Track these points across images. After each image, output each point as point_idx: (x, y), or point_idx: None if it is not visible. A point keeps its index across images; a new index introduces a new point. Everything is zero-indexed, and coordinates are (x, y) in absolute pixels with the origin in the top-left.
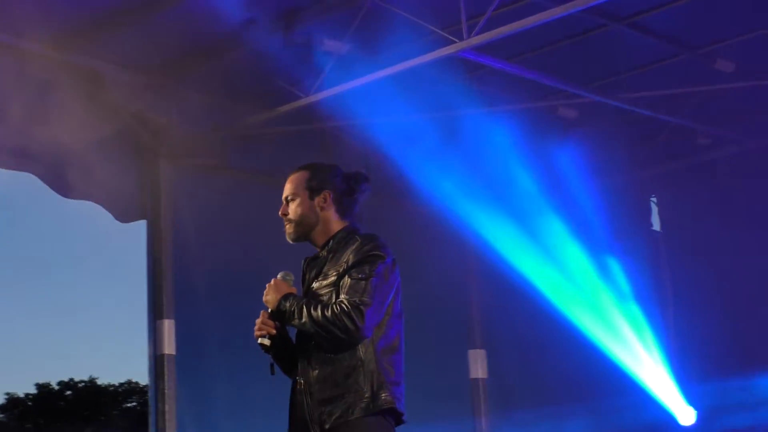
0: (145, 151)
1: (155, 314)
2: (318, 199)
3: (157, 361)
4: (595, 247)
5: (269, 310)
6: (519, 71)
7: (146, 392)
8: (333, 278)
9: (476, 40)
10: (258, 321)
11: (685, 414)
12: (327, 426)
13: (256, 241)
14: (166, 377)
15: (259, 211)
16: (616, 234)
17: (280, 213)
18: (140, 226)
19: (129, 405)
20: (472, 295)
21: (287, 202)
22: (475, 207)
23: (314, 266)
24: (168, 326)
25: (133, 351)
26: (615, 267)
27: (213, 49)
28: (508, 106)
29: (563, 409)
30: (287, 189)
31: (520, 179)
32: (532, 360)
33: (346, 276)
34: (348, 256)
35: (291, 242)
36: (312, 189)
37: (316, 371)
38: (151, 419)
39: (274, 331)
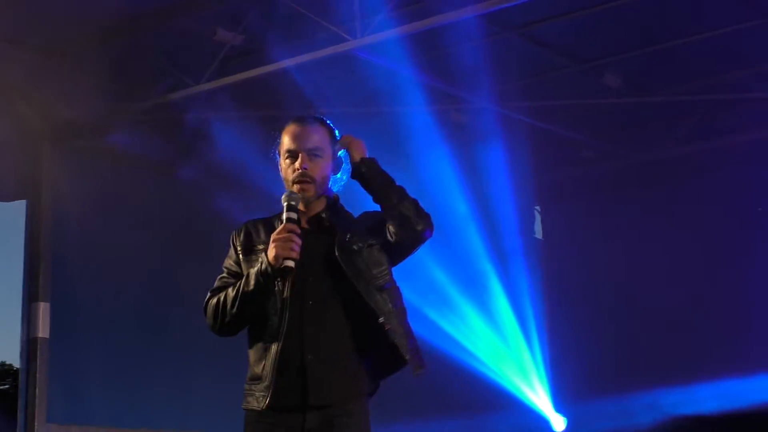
0: (30, 130)
1: (30, 296)
2: (334, 164)
3: (29, 344)
4: (474, 254)
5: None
6: (411, 73)
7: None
8: (378, 233)
9: (369, 39)
10: (283, 234)
11: (556, 420)
12: (332, 402)
13: (138, 226)
14: (38, 360)
15: (142, 197)
16: (498, 241)
17: (298, 165)
18: (21, 206)
19: (2, 388)
20: None
21: (310, 156)
22: None
23: (317, 235)
24: (43, 309)
25: (7, 333)
26: (493, 275)
27: (105, 32)
28: (398, 107)
29: (434, 418)
30: (312, 140)
31: (406, 180)
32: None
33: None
34: (372, 221)
35: (294, 202)
36: (335, 152)
37: (329, 336)
38: (20, 402)
39: (297, 254)
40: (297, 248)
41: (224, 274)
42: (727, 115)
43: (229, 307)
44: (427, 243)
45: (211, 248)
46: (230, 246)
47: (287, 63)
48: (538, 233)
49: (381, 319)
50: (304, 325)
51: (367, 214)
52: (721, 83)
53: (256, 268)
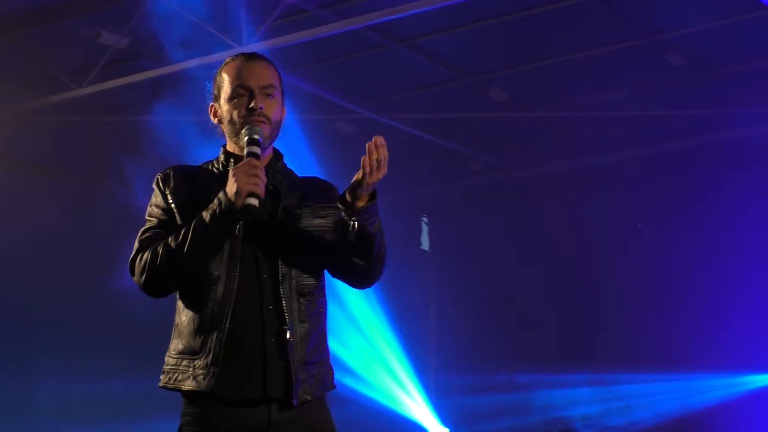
0: None
1: None
2: (283, 109)
3: None
4: None
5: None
6: (297, 82)
7: None
8: (326, 215)
9: (255, 47)
10: (247, 168)
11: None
12: (309, 397)
13: (19, 228)
14: None
15: (25, 200)
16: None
17: (254, 104)
18: None
19: None
20: None
21: (264, 94)
22: None
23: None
24: None
25: None
26: (377, 287)
27: None
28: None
29: None
30: (266, 77)
31: None
32: None
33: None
34: (324, 194)
35: (256, 135)
36: (282, 95)
37: (306, 324)
38: None
39: (262, 191)
40: (262, 185)
41: (151, 225)
42: (605, 133)
43: (170, 259)
44: None
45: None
46: (155, 192)
47: (171, 68)
48: (425, 245)
49: (285, 327)
50: (264, 297)
51: (315, 187)
52: (602, 101)
53: (209, 210)
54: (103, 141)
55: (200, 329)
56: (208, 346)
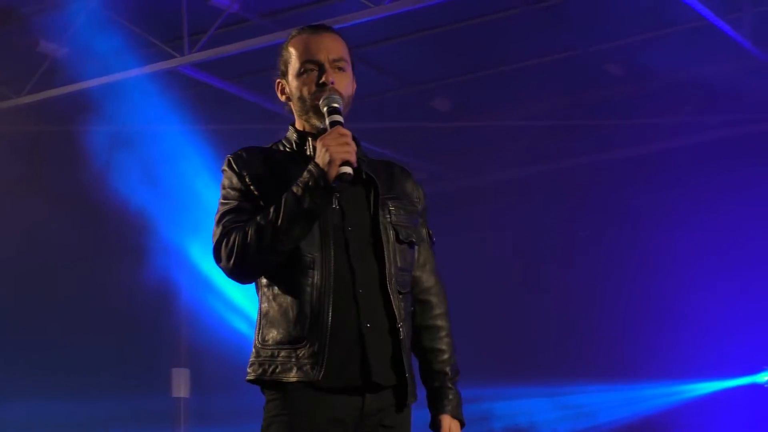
0: None
1: None
2: (353, 83)
3: None
4: None
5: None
6: (239, 92)
7: None
8: (412, 212)
9: (197, 56)
10: (336, 137)
11: None
12: (413, 399)
13: None
14: None
15: None
16: None
17: (324, 79)
18: None
19: None
20: (180, 313)
21: (335, 69)
22: (187, 223)
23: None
24: None
25: None
26: None
27: None
28: (227, 125)
29: None
30: (336, 49)
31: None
32: (236, 380)
33: (425, 232)
34: (416, 192)
35: (336, 104)
36: (353, 68)
37: (407, 324)
38: None
39: (354, 159)
40: (354, 153)
41: (231, 207)
42: (548, 141)
43: (263, 238)
44: None
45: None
46: (228, 174)
47: (111, 78)
48: None
49: (399, 325)
50: (356, 281)
51: (398, 175)
52: (544, 109)
53: (300, 183)
54: (40, 150)
55: (300, 316)
56: (312, 334)
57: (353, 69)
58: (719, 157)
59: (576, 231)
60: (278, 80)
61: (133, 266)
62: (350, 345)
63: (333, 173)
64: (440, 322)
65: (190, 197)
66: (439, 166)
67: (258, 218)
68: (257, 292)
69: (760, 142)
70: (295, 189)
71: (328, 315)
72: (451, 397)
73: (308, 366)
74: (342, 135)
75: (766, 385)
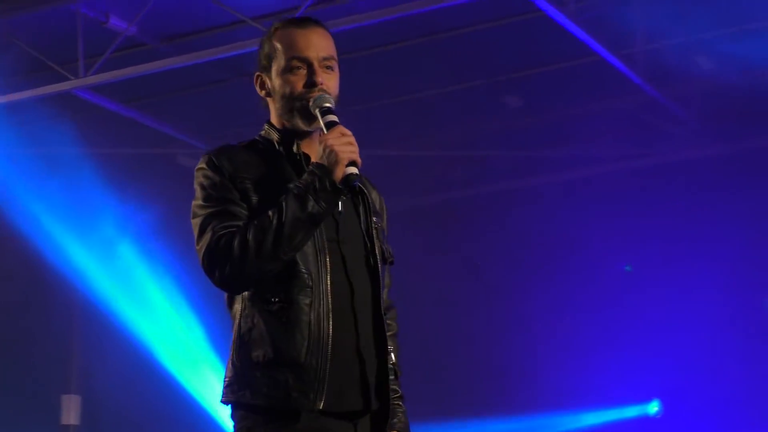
0: None
1: None
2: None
3: None
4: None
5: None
6: (135, 116)
7: None
8: (383, 228)
9: (93, 79)
10: (340, 135)
11: None
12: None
13: None
14: None
15: None
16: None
17: (315, 80)
18: None
19: None
20: (72, 339)
21: (324, 68)
22: (78, 250)
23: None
24: None
25: None
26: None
27: None
28: (123, 149)
29: None
30: (326, 47)
31: (129, 226)
32: (129, 406)
33: (387, 249)
34: (380, 204)
35: (329, 104)
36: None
37: (390, 347)
38: None
39: (359, 160)
40: (358, 152)
41: (218, 209)
42: (449, 171)
43: (263, 244)
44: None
45: None
46: (208, 173)
47: (4, 99)
48: None
49: (390, 348)
50: (355, 300)
51: (369, 186)
52: (445, 140)
53: (302, 185)
54: None
55: (296, 337)
56: (311, 357)
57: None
58: (612, 190)
59: (466, 260)
60: (258, 74)
61: (23, 287)
62: (350, 369)
63: (339, 174)
64: (392, 343)
65: (85, 220)
66: None
67: (256, 222)
68: (230, 305)
69: (651, 176)
70: (296, 191)
71: (328, 339)
72: (400, 415)
73: (305, 391)
74: (344, 134)
75: (653, 416)
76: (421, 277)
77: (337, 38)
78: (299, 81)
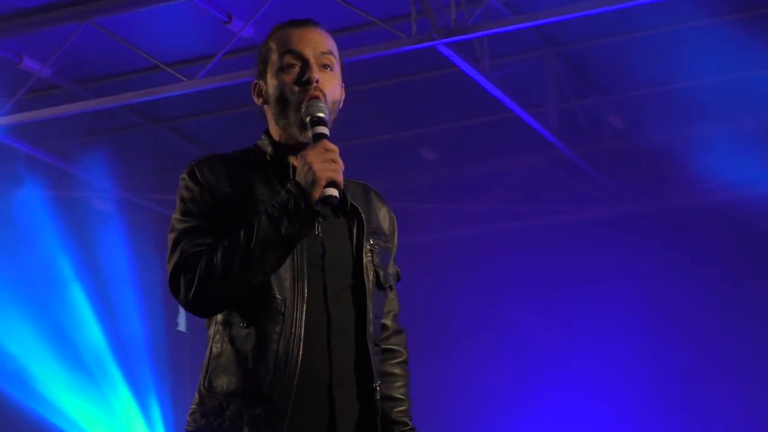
0: None
1: None
2: (342, 90)
3: None
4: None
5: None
6: (49, 159)
7: None
8: (386, 251)
9: (5, 120)
10: (322, 152)
11: None
12: None
13: None
14: None
15: None
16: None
17: (310, 76)
18: None
19: None
20: None
21: (321, 66)
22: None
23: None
24: None
25: None
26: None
27: None
28: (38, 191)
29: None
30: (323, 43)
31: (61, 275)
32: None
33: (393, 269)
34: (390, 223)
35: (321, 114)
36: (342, 72)
37: (376, 358)
38: None
39: (341, 180)
40: (341, 172)
41: (191, 226)
42: None
43: (231, 266)
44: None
45: None
46: (189, 185)
47: None
48: (182, 326)
49: (376, 384)
50: (331, 331)
51: (377, 203)
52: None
53: (277, 205)
54: None
55: (261, 368)
56: (273, 391)
57: (342, 74)
58: (523, 246)
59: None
60: (254, 82)
61: None
62: (317, 407)
63: (316, 195)
64: (398, 371)
65: None
66: None
67: (225, 242)
68: (207, 327)
69: (562, 232)
70: (271, 211)
71: (295, 370)
72: None
73: (264, 428)
74: (328, 150)
75: None
76: None
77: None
78: (293, 80)
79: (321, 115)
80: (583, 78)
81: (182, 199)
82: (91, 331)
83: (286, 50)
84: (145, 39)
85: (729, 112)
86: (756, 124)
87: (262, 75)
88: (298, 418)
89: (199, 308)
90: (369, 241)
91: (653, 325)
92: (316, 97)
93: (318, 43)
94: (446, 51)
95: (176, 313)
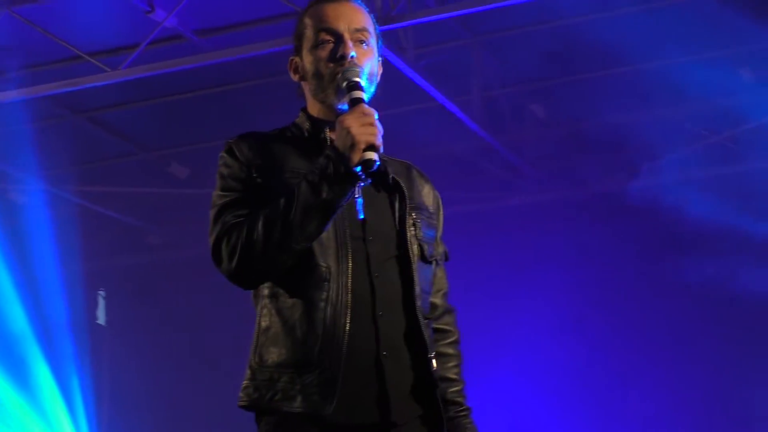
0: None
1: None
2: (379, 64)
3: None
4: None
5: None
6: None
7: None
8: (431, 226)
9: None
10: (359, 116)
11: None
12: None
13: None
14: None
15: None
16: (48, 326)
17: (344, 51)
18: None
19: None
20: None
21: (356, 41)
22: None
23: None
24: None
25: None
26: (41, 361)
27: None
28: None
29: None
30: (358, 19)
31: None
32: None
33: (442, 250)
34: (434, 201)
35: (357, 78)
36: (378, 43)
37: (427, 331)
38: None
39: (380, 144)
40: (380, 136)
41: (232, 199)
42: None
43: (273, 233)
44: None
45: None
46: (228, 161)
47: None
48: (101, 319)
49: (431, 355)
50: (376, 301)
51: (420, 180)
52: None
53: (316, 171)
54: None
55: (310, 336)
56: (324, 358)
57: (380, 49)
58: (447, 234)
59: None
60: (291, 58)
61: None
62: (367, 375)
63: (356, 159)
64: (451, 350)
65: None
66: (174, 233)
67: (266, 210)
68: (255, 304)
69: (487, 219)
70: (310, 177)
71: (344, 337)
72: (470, 429)
73: (317, 395)
74: (365, 114)
75: None
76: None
77: (178, 77)
78: (328, 55)
79: (357, 79)
80: (506, 67)
81: (221, 176)
82: (16, 321)
83: (321, 27)
84: (67, 29)
85: (651, 100)
86: (676, 111)
87: (297, 51)
88: (350, 386)
89: (244, 278)
90: (411, 215)
91: (578, 309)
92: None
93: (352, 18)
94: None
95: (96, 307)
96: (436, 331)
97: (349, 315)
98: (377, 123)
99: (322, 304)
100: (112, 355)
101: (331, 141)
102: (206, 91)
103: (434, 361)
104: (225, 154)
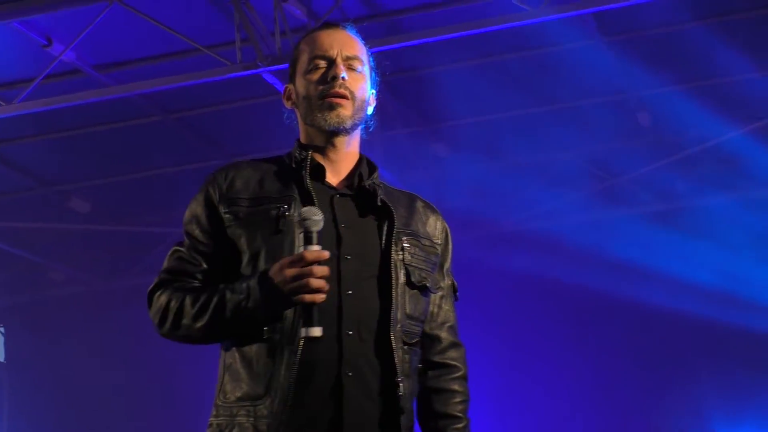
0: None
1: None
2: (371, 96)
3: None
4: None
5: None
6: None
7: None
8: (430, 254)
9: None
10: (308, 263)
11: None
12: None
13: None
14: None
15: None
16: None
17: (336, 72)
18: None
19: None
20: None
21: (348, 67)
22: None
23: (359, 201)
24: None
25: None
26: None
27: None
28: None
29: None
30: (351, 46)
31: None
32: None
33: (450, 283)
34: (440, 232)
35: (338, 127)
36: (372, 74)
37: (411, 381)
38: None
39: (325, 288)
40: (323, 282)
41: (183, 250)
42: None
43: (178, 329)
44: None
45: None
46: (200, 200)
47: None
48: (1, 356)
49: (398, 379)
50: (343, 320)
51: (424, 210)
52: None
53: (235, 293)
54: None
55: (266, 366)
56: (273, 385)
57: (374, 79)
58: None
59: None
60: (286, 86)
61: None
62: (323, 399)
63: (285, 305)
64: (456, 387)
65: None
66: (75, 269)
67: (186, 300)
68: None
69: None
70: (228, 296)
71: (295, 359)
72: None
73: (264, 426)
74: (302, 261)
75: None
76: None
77: (78, 112)
78: (318, 81)
79: (315, 229)
80: (409, 107)
81: (190, 212)
82: None
83: (315, 53)
84: None
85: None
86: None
87: (291, 78)
88: (304, 410)
89: (172, 339)
90: (401, 239)
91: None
92: (335, 97)
93: (345, 45)
94: (271, 78)
95: None
96: (439, 365)
97: (303, 337)
98: (320, 268)
99: (279, 325)
100: (12, 391)
101: (312, 170)
102: (106, 126)
103: (401, 386)
104: (199, 192)
